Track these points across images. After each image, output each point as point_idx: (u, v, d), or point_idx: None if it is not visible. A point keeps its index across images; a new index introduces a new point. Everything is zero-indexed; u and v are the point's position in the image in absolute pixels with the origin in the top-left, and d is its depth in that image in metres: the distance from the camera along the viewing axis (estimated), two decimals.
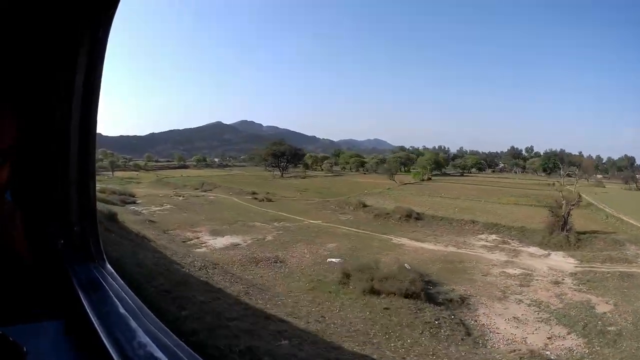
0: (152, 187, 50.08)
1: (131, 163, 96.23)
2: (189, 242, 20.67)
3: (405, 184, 53.76)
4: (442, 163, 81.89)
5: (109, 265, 1.52)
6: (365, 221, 28.23)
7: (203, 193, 43.65)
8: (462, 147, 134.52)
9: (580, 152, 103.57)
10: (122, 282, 1.41)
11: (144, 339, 1.02)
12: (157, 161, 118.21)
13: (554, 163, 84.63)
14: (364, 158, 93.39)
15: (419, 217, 28.15)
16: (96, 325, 1.10)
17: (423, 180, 60.51)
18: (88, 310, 1.18)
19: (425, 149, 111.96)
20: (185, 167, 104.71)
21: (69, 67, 1.32)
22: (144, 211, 28.90)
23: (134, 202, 32.97)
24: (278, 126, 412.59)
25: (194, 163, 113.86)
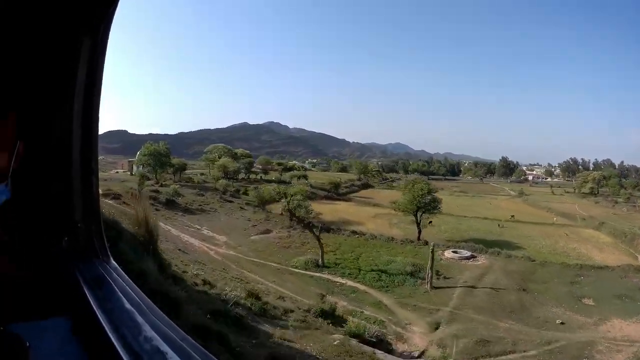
0: None
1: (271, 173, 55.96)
2: None
3: None
4: None
5: (113, 262, 1.53)
6: None
7: None
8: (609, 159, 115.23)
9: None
10: (127, 277, 1.42)
11: (150, 333, 1.02)
12: (280, 165, 70.88)
13: None
14: None
15: None
16: (102, 321, 1.11)
17: None
18: (93, 307, 1.19)
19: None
20: (368, 186, 66.99)
21: (70, 63, 1.33)
22: None
23: None
24: (305, 128, 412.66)
25: (374, 177, 78.46)
